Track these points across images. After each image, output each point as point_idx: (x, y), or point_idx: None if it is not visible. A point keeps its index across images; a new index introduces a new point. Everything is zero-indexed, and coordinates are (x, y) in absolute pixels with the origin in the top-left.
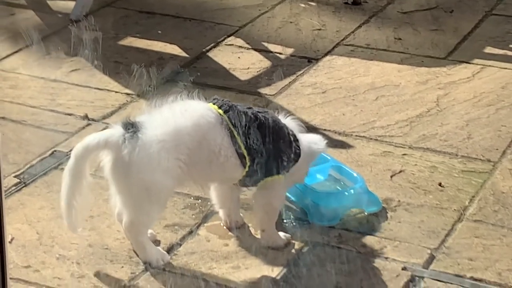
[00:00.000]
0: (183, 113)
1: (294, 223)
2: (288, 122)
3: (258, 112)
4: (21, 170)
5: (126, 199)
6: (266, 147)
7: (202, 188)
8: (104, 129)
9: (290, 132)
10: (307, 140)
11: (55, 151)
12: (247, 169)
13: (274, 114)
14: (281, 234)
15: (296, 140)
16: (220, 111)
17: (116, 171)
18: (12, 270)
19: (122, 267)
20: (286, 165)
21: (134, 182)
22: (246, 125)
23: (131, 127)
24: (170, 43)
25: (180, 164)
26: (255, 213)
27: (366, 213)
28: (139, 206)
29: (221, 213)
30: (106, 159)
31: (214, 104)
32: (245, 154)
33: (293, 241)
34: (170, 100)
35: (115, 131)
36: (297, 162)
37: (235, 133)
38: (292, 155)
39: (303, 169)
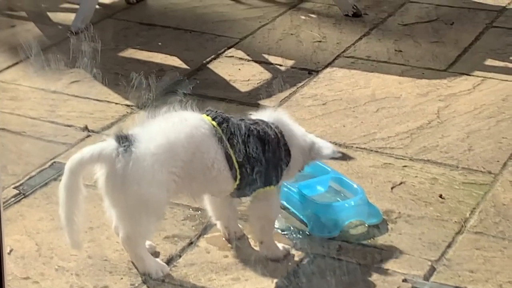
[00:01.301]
0: (176, 125)
1: (294, 235)
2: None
3: (250, 124)
4: (21, 182)
5: (121, 213)
6: (259, 160)
7: (195, 199)
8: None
9: (282, 141)
10: (316, 140)
11: (54, 162)
12: (237, 182)
13: (264, 124)
14: (280, 245)
15: (286, 146)
16: (214, 122)
17: (110, 185)
18: (11, 282)
19: (122, 278)
20: (280, 175)
21: (129, 195)
22: (239, 138)
23: (124, 140)
24: (171, 55)
25: (174, 178)
26: (252, 225)
27: (366, 225)
28: (135, 219)
29: (218, 224)
30: (99, 172)
31: (207, 115)
32: (237, 167)
33: (293, 253)
34: (163, 111)
35: (108, 144)
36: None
37: (228, 146)
38: (282, 166)
39: (295, 166)
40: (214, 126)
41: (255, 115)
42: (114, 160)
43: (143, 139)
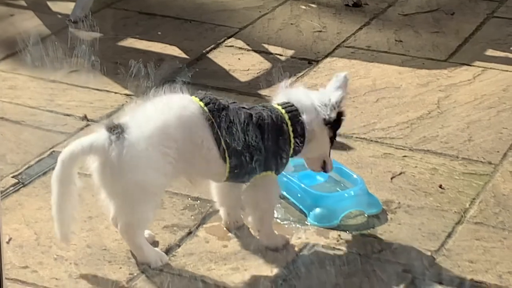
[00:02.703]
0: (166, 107)
1: (293, 224)
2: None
3: (242, 107)
4: (19, 171)
5: (119, 202)
6: (259, 148)
7: (194, 185)
8: None
9: (279, 122)
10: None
11: (53, 151)
12: (228, 164)
13: (262, 109)
14: (280, 234)
15: (295, 125)
16: (201, 103)
17: (105, 175)
18: (9, 271)
19: (120, 268)
20: (280, 161)
21: (126, 183)
22: (226, 118)
23: (115, 128)
24: (170, 45)
25: (169, 159)
26: (250, 214)
27: (366, 215)
28: (134, 207)
29: (221, 211)
30: (93, 165)
31: (196, 97)
32: (224, 147)
33: (292, 242)
34: (151, 95)
35: (100, 135)
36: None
37: (215, 125)
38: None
39: (324, 138)
40: (201, 106)
41: (272, 100)
42: (107, 150)
43: (134, 125)
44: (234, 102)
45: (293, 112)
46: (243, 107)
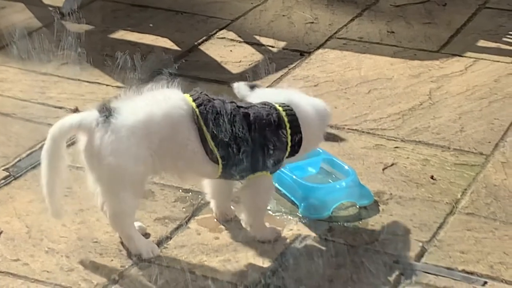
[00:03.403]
0: (157, 102)
1: (285, 216)
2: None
3: (239, 107)
4: (11, 163)
5: (102, 187)
6: (245, 139)
7: (181, 180)
8: None
9: (274, 121)
10: (313, 104)
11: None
12: (220, 165)
13: (258, 106)
14: (271, 227)
15: (282, 128)
16: (194, 104)
17: (88, 154)
18: (0, 263)
19: (112, 260)
20: (272, 162)
21: (104, 165)
22: (218, 120)
23: (106, 111)
24: (162, 37)
25: (151, 153)
26: (242, 210)
27: (357, 206)
28: (113, 192)
29: (212, 203)
30: (80, 142)
31: (190, 95)
32: (214, 150)
33: (284, 234)
34: (148, 87)
35: (90, 114)
36: (286, 151)
37: (204, 128)
38: (277, 150)
39: (317, 133)
40: (193, 107)
41: (265, 95)
42: (94, 130)
43: (124, 112)
44: (232, 102)
45: (290, 111)
46: (239, 106)
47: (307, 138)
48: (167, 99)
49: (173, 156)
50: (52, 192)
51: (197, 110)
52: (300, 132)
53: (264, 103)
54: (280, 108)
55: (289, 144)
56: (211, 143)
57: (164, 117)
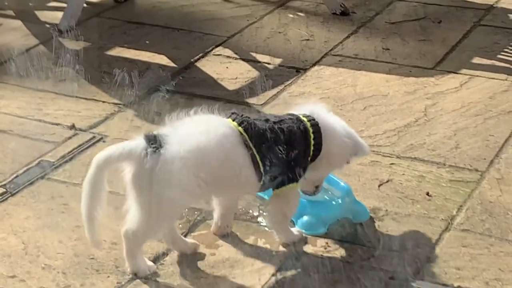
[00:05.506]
0: (206, 131)
1: None
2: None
3: (274, 123)
4: (7, 180)
5: (140, 211)
6: (281, 161)
7: (210, 202)
8: (91, 139)
9: (302, 132)
10: (355, 138)
11: (41, 160)
12: (261, 183)
13: (292, 121)
14: (294, 229)
15: (317, 139)
16: (240, 128)
17: (136, 183)
18: None
19: (108, 276)
20: (301, 171)
21: (153, 196)
22: (264, 142)
23: (153, 141)
24: (158, 53)
25: (199, 183)
26: (269, 217)
27: (353, 223)
28: (151, 219)
29: (215, 212)
30: (126, 170)
31: (233, 120)
32: (262, 171)
33: (279, 250)
34: (191, 113)
35: (138, 143)
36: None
37: (255, 151)
38: (304, 159)
39: (342, 156)
40: (241, 133)
41: (293, 110)
42: (142, 160)
43: (173, 141)
44: (267, 119)
45: (316, 126)
46: (275, 122)
47: (329, 151)
48: (215, 128)
49: (225, 184)
50: (92, 221)
51: (246, 136)
52: (321, 139)
53: (290, 115)
54: (305, 119)
55: (312, 148)
56: (262, 166)
57: (215, 148)
